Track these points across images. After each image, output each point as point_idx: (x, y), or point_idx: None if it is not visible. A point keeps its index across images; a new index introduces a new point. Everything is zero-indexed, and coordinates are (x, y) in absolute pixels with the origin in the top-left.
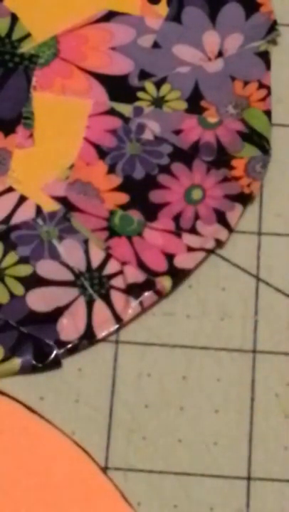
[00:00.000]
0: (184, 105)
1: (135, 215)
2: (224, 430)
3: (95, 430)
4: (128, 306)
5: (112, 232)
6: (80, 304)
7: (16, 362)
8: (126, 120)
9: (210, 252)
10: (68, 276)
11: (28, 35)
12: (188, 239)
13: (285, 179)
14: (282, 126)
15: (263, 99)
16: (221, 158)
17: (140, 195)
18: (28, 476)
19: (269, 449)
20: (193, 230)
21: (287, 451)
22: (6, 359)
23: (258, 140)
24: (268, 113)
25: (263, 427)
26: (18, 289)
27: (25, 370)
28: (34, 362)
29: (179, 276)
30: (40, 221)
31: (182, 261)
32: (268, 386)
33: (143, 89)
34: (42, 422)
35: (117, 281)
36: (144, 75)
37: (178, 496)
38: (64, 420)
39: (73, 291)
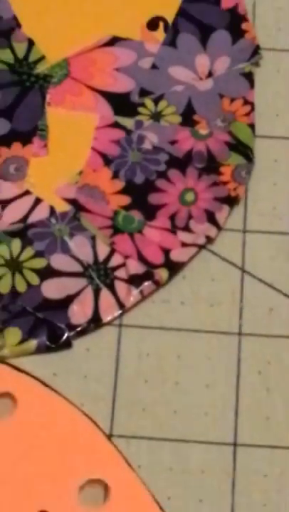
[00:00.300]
0: (178, 119)
1: (136, 215)
2: (214, 402)
3: (101, 402)
4: (130, 294)
5: (116, 230)
6: (88, 292)
7: (32, 343)
8: (128, 132)
9: (201, 247)
10: (78, 268)
11: (42, 58)
12: (183, 236)
13: (266, 183)
14: (264, 138)
15: (248, 114)
16: (211, 166)
17: (140, 197)
18: (43, 442)
19: (253, 418)
20: (186, 228)
21: (268, 421)
22: (23, 341)
23: (243, 150)
24: (251, 126)
25: (247, 400)
26: (34, 279)
27: (41, 350)
28: (48, 343)
29: (174, 268)
30: (53, 220)
31: (177, 255)
32: (251, 364)
33: (143, 105)
34: (55, 395)
35: (121, 273)
36: (144, 93)
37: (173, 460)
38: (74, 394)
39: (82, 281)
